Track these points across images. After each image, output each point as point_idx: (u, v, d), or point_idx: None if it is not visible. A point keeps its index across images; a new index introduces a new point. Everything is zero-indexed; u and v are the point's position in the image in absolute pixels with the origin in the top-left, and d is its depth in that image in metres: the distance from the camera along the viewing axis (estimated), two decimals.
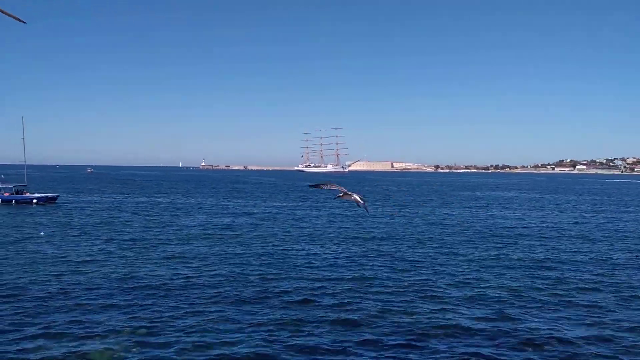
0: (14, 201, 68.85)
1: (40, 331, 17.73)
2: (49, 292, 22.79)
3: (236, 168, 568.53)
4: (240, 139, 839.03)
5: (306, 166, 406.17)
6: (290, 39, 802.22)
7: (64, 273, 26.83)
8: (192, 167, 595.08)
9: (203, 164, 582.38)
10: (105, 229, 45.06)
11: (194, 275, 26.91)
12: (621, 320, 19.77)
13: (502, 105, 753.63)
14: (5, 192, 70.31)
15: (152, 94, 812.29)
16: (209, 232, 44.32)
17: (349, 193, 14.47)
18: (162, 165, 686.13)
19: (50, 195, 74.54)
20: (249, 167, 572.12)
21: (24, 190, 72.15)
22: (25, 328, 18.03)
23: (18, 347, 16.28)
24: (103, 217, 55.03)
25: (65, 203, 72.82)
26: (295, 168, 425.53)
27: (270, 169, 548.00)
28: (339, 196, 14.55)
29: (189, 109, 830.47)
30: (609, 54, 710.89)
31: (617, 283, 26.18)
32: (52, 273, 26.80)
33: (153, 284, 24.75)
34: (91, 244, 36.81)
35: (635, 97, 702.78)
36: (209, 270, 28.08)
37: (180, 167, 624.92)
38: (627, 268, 30.32)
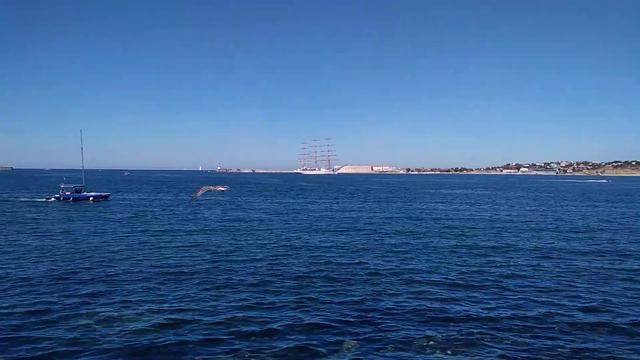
0: (72, 199, 69.26)
1: (85, 310, 17.39)
2: (95, 274, 22.44)
3: (246, 171, 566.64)
4: (249, 147, 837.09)
5: (303, 169, 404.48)
6: (286, 66, 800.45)
7: (110, 259, 26.45)
8: (210, 171, 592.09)
9: (219, 168, 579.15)
10: (145, 222, 44.76)
11: (214, 260, 26.54)
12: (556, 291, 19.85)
13: (460, 118, 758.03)
14: (67, 192, 70.80)
15: (175, 109, 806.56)
16: (226, 224, 43.85)
17: (215, 187, 17.61)
18: (185, 169, 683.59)
19: (103, 194, 75.05)
20: (257, 170, 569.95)
21: (81, 189, 72.59)
22: (73, 308, 17.71)
23: (69, 325, 15.98)
24: (144, 212, 54.90)
25: (115, 200, 72.66)
26: (295, 171, 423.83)
27: (274, 171, 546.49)
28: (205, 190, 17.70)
29: (207, 121, 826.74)
30: (546, 73, 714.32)
31: (556, 260, 26.23)
32: (100, 259, 26.43)
33: (179, 269, 24.40)
34: (132, 234, 36.33)
35: (567, 110, 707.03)
36: (225, 256, 27.72)
37: (200, 170, 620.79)
38: (564, 250, 30.37)
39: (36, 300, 18.36)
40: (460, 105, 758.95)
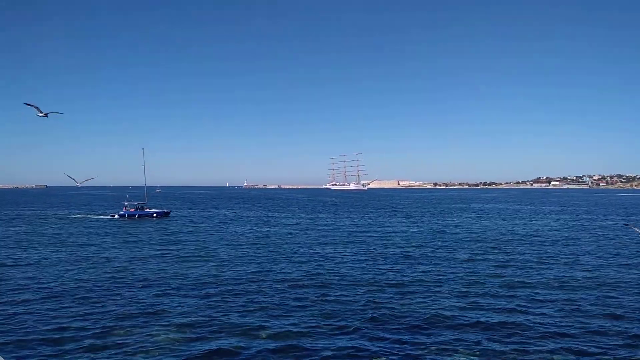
0: (137, 215, 70.36)
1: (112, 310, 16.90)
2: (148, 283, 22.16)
3: (272, 187, 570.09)
4: (275, 163, 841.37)
5: (332, 185, 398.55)
6: (319, 80, 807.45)
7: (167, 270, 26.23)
8: (237, 187, 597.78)
9: (245, 183, 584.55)
10: (199, 237, 44.95)
11: (247, 277, 25.74)
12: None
13: (488, 131, 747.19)
14: (131, 209, 71.96)
15: (201, 127, 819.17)
16: (253, 240, 43.39)
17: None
18: (212, 185, 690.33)
19: (165, 210, 76.18)
20: (282, 186, 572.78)
21: (144, 206, 73.68)
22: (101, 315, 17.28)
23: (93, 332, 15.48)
24: (202, 228, 55.32)
25: (176, 217, 73.59)
26: (324, 186, 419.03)
27: (301, 187, 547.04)
28: None
29: (233, 138, 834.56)
30: (574, 85, 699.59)
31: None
32: (160, 270, 26.23)
33: (215, 282, 23.91)
34: (187, 249, 36.24)
35: (598, 122, 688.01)
36: (258, 271, 27.03)
37: (227, 186, 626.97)
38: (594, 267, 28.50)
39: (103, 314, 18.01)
40: (488, 119, 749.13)
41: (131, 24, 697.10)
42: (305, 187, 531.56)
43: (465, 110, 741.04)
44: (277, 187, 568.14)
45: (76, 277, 25.79)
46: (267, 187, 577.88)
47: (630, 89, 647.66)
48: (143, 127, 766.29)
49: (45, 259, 32.05)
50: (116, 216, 70.91)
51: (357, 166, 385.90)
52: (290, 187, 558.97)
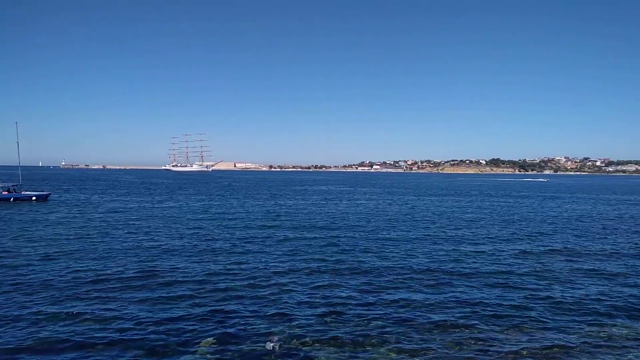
0: (12, 199, 60.26)
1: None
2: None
3: (95, 167, 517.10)
4: (98, 141, 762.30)
5: (173, 166, 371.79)
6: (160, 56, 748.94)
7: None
8: (52, 166, 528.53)
9: (63, 163, 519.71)
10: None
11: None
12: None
13: (318, 118, 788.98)
14: (4, 191, 61.32)
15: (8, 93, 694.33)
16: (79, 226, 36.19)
17: None
18: (21, 164, 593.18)
19: (45, 193, 66.87)
20: (108, 167, 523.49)
21: (16, 188, 63.41)
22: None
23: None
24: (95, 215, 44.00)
25: (55, 199, 64.72)
26: (163, 167, 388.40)
27: (134, 167, 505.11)
28: None
29: (48, 109, 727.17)
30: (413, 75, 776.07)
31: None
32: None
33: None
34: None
35: (414, 112, 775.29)
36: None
37: (40, 166, 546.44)
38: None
39: None
40: (318, 107, 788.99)
41: None
42: (141, 168, 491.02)
43: (301, 98, 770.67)
44: (101, 167, 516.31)
45: None
46: (89, 167, 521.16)
47: (415, 81, 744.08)
48: None
49: None
50: None
51: (201, 147, 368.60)
52: (118, 167, 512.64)
